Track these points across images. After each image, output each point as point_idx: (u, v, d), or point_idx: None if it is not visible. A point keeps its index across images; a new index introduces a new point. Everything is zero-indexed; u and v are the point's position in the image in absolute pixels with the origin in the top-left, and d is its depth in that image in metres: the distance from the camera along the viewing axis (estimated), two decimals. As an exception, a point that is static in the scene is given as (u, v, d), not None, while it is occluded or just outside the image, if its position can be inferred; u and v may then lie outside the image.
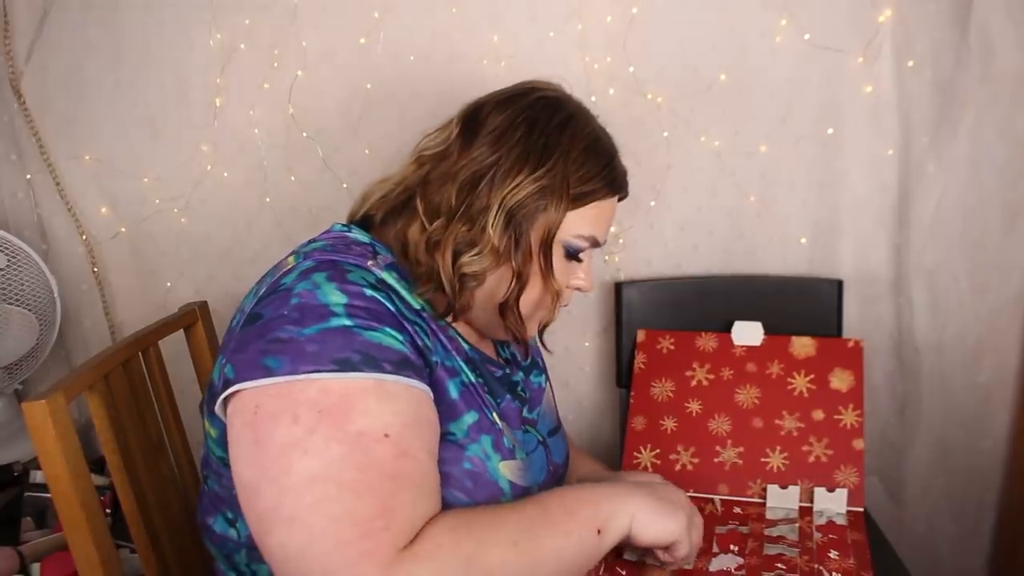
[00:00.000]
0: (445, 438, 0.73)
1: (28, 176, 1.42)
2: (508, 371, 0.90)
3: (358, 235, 0.81)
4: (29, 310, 1.34)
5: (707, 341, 1.24)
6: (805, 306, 1.32)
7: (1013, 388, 1.36)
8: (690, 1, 1.29)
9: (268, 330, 0.67)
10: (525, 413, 0.90)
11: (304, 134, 1.38)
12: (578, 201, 0.80)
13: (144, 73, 1.37)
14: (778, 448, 1.14)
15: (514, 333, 0.82)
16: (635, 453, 1.18)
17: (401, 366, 0.67)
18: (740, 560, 0.95)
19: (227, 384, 0.67)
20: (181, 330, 1.15)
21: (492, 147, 0.78)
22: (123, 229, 1.44)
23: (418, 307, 0.76)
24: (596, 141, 0.83)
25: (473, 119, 0.81)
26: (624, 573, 0.93)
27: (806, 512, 1.08)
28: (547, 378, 1.02)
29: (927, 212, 1.31)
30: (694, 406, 1.19)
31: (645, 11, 1.29)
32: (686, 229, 1.39)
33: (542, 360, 1.04)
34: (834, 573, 0.91)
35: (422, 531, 0.63)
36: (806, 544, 0.99)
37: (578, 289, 0.86)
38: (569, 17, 1.31)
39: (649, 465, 1.17)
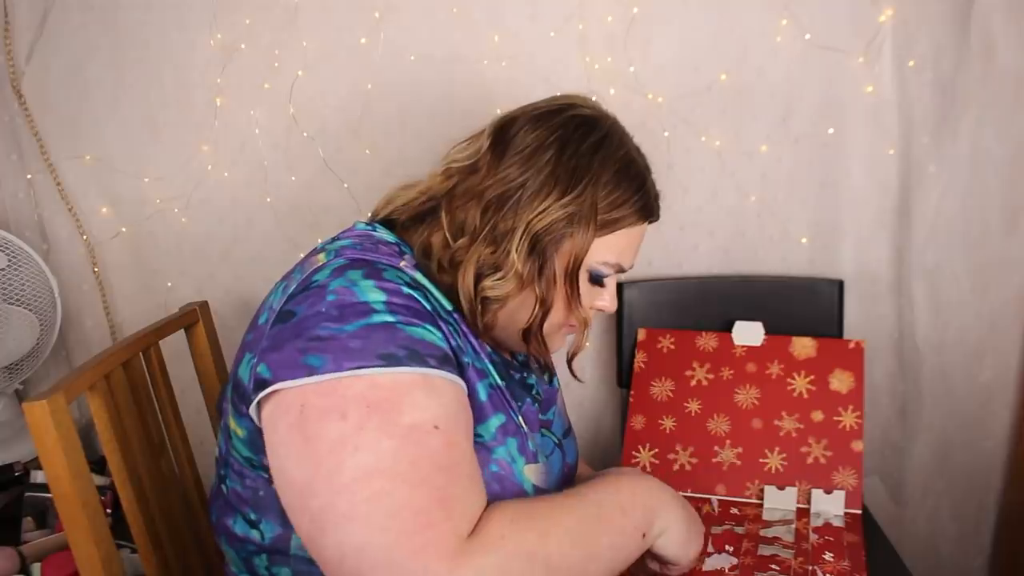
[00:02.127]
0: (473, 440, 0.72)
1: (29, 176, 1.43)
2: (524, 374, 0.90)
3: (384, 234, 0.80)
4: (30, 310, 1.35)
5: (707, 341, 1.24)
6: (806, 306, 1.32)
7: (1014, 388, 1.36)
8: (690, 1, 1.28)
9: (305, 328, 0.66)
10: (541, 415, 0.89)
11: (305, 134, 1.38)
12: (606, 228, 0.78)
13: (144, 73, 1.37)
14: (777, 449, 1.14)
15: (537, 358, 0.83)
16: (634, 452, 1.18)
17: (443, 361, 0.67)
18: (734, 560, 0.95)
19: (263, 384, 0.66)
20: (182, 330, 1.16)
21: (521, 167, 0.76)
22: (124, 229, 1.45)
23: (451, 308, 0.76)
24: (629, 164, 0.80)
25: (504, 134, 0.79)
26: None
27: (803, 513, 1.08)
28: (559, 387, 1.02)
29: (928, 212, 1.31)
30: (693, 406, 1.19)
31: (645, 11, 1.29)
32: (686, 229, 1.38)
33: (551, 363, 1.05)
34: (828, 574, 0.91)
35: (483, 521, 0.63)
36: (801, 545, 0.99)
37: (600, 310, 0.85)
38: (569, 17, 1.31)
39: (648, 465, 1.17)
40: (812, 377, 1.17)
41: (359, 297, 0.67)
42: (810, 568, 0.93)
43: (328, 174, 1.38)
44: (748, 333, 1.23)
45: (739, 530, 1.03)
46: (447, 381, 0.67)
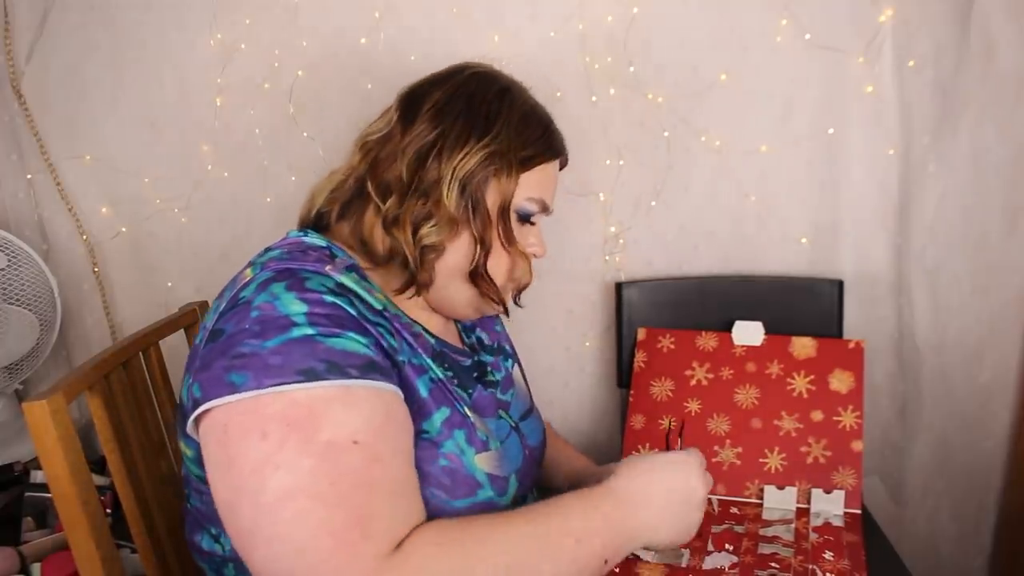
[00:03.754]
0: (419, 436, 0.73)
1: (29, 176, 1.43)
2: (476, 357, 0.91)
3: (314, 239, 0.81)
4: (29, 310, 1.35)
5: (707, 340, 1.24)
6: (806, 306, 1.31)
7: (1014, 388, 1.36)
8: (690, 1, 1.28)
9: (231, 346, 0.66)
10: (499, 395, 0.90)
11: (305, 134, 1.38)
12: (525, 165, 0.82)
13: (144, 73, 1.37)
14: (776, 449, 1.14)
15: (492, 299, 0.84)
16: (633, 452, 1.18)
17: (367, 370, 0.67)
18: (734, 559, 0.95)
19: (196, 404, 0.67)
20: (182, 330, 1.16)
21: (434, 121, 0.80)
22: (123, 229, 1.45)
23: (380, 307, 0.75)
24: (533, 108, 0.86)
25: (410, 100, 0.84)
26: (617, 571, 0.94)
27: (803, 513, 1.08)
28: (516, 362, 1.03)
29: (928, 212, 1.31)
30: (693, 405, 1.19)
31: (645, 11, 1.29)
32: (686, 229, 1.39)
33: (511, 346, 1.05)
34: (828, 574, 0.91)
35: (408, 541, 0.62)
36: (801, 544, 0.99)
37: (535, 255, 0.88)
38: (569, 17, 1.31)
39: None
40: (812, 377, 1.17)
41: (280, 311, 0.67)
42: (810, 567, 0.93)
43: (328, 174, 1.39)
44: (748, 333, 1.22)
45: (739, 529, 1.03)
46: (371, 390, 0.66)
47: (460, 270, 0.82)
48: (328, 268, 0.73)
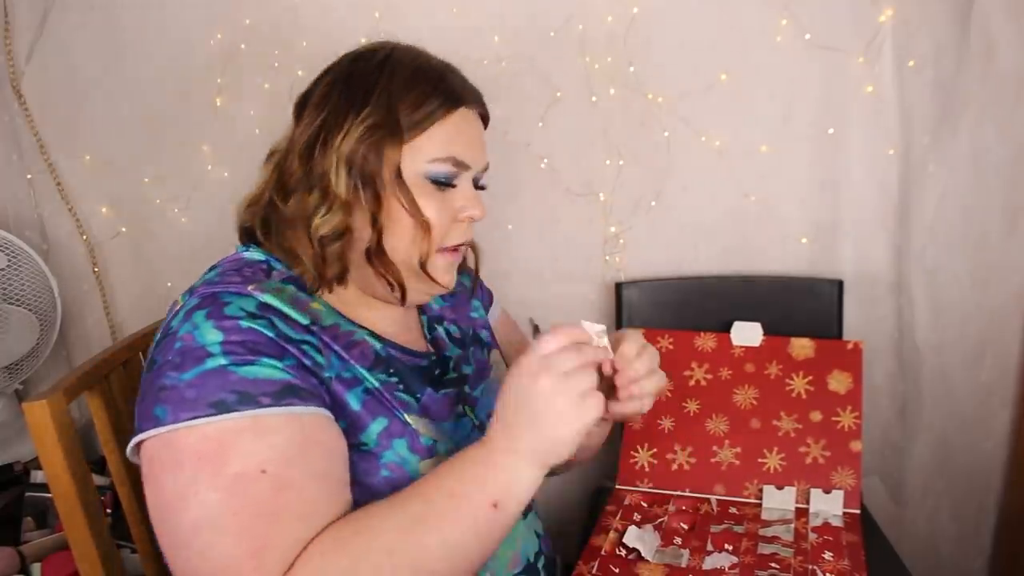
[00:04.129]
0: (358, 449, 0.73)
1: (29, 176, 1.43)
2: (434, 356, 0.87)
3: (254, 254, 0.81)
4: (30, 310, 1.35)
5: (706, 341, 1.24)
6: (805, 306, 1.32)
7: (1014, 388, 1.36)
8: (690, 1, 1.28)
9: (157, 377, 0.67)
10: (467, 390, 0.88)
11: (304, 134, 1.38)
12: (417, 127, 0.77)
13: (144, 73, 1.37)
14: (775, 449, 1.14)
15: (389, 281, 0.79)
16: (632, 452, 1.18)
17: (281, 395, 0.66)
18: (734, 559, 0.95)
19: (135, 434, 0.69)
20: (181, 330, 1.15)
21: (316, 111, 0.78)
22: (124, 229, 1.45)
23: (307, 323, 0.74)
24: (420, 67, 0.80)
25: (302, 99, 0.83)
26: (617, 571, 0.94)
27: (802, 513, 1.08)
28: (493, 348, 0.99)
29: (928, 212, 1.31)
30: (692, 406, 1.19)
31: (645, 11, 1.29)
32: (686, 229, 1.39)
33: (490, 332, 1.01)
34: (828, 574, 0.91)
35: (299, 559, 0.62)
36: (801, 545, 0.99)
37: (471, 219, 0.81)
38: (569, 17, 1.31)
39: (646, 464, 1.17)
40: (811, 378, 1.17)
41: (198, 341, 0.67)
42: (810, 567, 0.93)
43: (328, 174, 1.39)
44: (747, 334, 1.22)
45: (738, 529, 1.03)
46: (285, 416, 0.66)
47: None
48: (251, 288, 0.72)
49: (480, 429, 0.86)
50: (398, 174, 0.77)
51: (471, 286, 1.00)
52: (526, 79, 1.33)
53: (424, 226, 0.78)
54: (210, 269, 0.80)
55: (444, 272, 0.81)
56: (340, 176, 0.76)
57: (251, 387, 0.66)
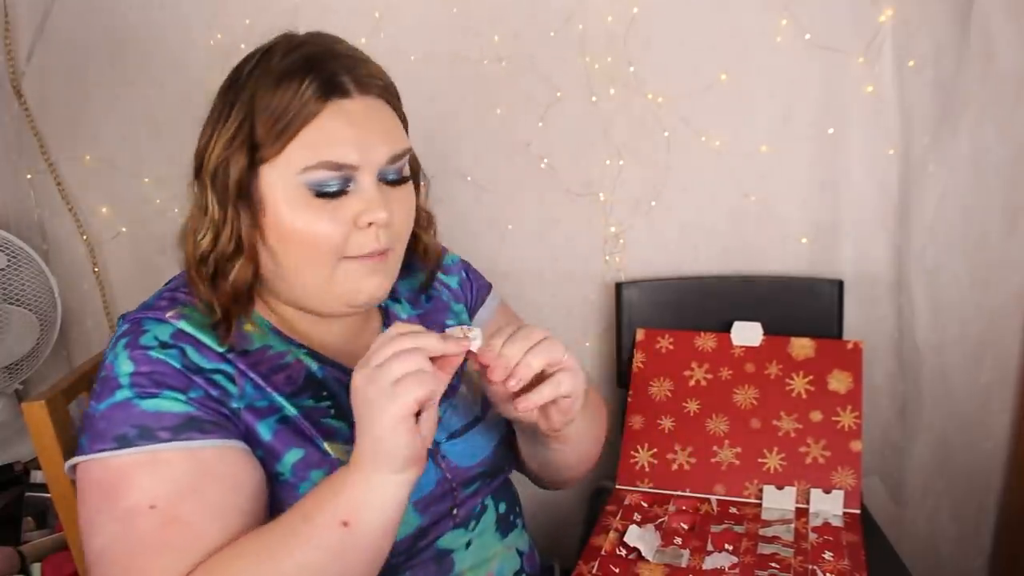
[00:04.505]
0: (276, 479, 0.71)
1: (29, 176, 1.43)
2: None
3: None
4: (30, 310, 1.35)
5: (706, 341, 1.24)
6: (805, 306, 1.31)
7: (1014, 388, 1.36)
8: (690, 1, 1.28)
9: (88, 404, 0.70)
10: None
11: (304, 134, 1.38)
12: (282, 137, 0.70)
13: (144, 73, 1.37)
14: (775, 449, 1.14)
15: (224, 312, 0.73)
16: (632, 452, 1.18)
17: (182, 429, 0.67)
18: (734, 559, 0.95)
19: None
20: (181, 330, 1.15)
21: (204, 128, 0.75)
22: (124, 229, 1.45)
23: (222, 350, 0.72)
24: (290, 63, 0.72)
25: None
26: (617, 571, 0.94)
27: (802, 513, 1.08)
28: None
29: (928, 212, 1.31)
30: (692, 406, 1.19)
31: (645, 11, 1.29)
32: (686, 229, 1.38)
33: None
34: (828, 574, 0.91)
35: None
36: (801, 545, 0.99)
37: (373, 223, 0.72)
38: (569, 17, 1.31)
39: (646, 464, 1.17)
40: (811, 378, 1.17)
41: (114, 371, 0.69)
42: (810, 567, 0.93)
43: (328, 174, 1.39)
44: (747, 333, 1.23)
45: (738, 529, 1.03)
46: (181, 452, 0.66)
47: (280, 271, 0.74)
48: (170, 315, 0.72)
49: (434, 452, 0.80)
50: (250, 187, 0.71)
51: (425, 282, 0.90)
52: (526, 79, 1.33)
53: (309, 242, 0.71)
54: (165, 284, 0.81)
55: (362, 278, 0.73)
56: (213, 195, 0.72)
57: (152, 421, 0.66)
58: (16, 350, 1.36)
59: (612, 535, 1.02)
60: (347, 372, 0.75)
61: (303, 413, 0.73)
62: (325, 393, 0.76)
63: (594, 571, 0.94)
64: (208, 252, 0.73)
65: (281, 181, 0.71)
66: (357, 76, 0.73)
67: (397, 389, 0.61)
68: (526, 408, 0.69)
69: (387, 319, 0.86)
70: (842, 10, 1.26)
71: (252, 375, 0.73)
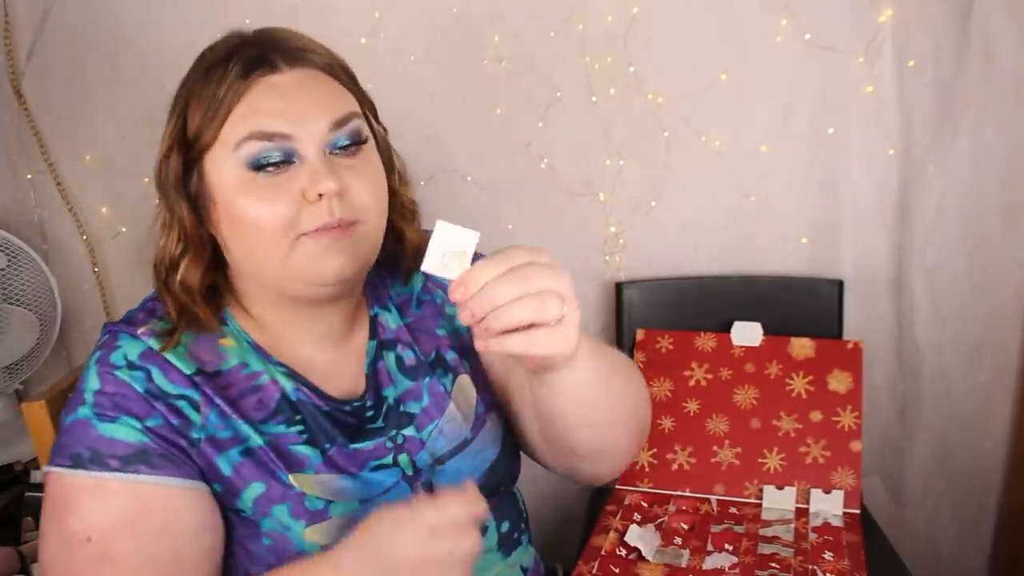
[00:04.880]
0: (237, 514, 0.69)
1: (29, 176, 1.43)
2: (360, 401, 0.76)
3: None
4: (30, 310, 1.35)
5: (706, 341, 1.24)
6: (805, 306, 1.32)
7: (1013, 388, 1.36)
8: (690, 1, 1.28)
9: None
10: (407, 433, 0.76)
11: (304, 134, 1.38)
12: (214, 122, 0.68)
13: (144, 73, 1.37)
14: (775, 449, 1.14)
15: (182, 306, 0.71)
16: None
17: (131, 460, 0.65)
18: (734, 559, 0.95)
19: None
20: (181, 330, 1.15)
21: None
22: (124, 229, 1.45)
23: (190, 371, 0.69)
24: (221, 53, 0.72)
25: None
26: (617, 571, 0.94)
27: (802, 513, 1.08)
28: (467, 371, 0.82)
29: (928, 212, 1.31)
30: (692, 406, 1.19)
31: (645, 11, 1.29)
32: (686, 229, 1.39)
33: (457, 350, 0.83)
34: (828, 574, 0.92)
35: None
36: (801, 545, 0.99)
37: (323, 194, 0.66)
38: (569, 17, 1.31)
39: (646, 465, 1.17)
40: (811, 378, 1.17)
41: (82, 385, 0.69)
42: (810, 567, 0.93)
43: (328, 174, 1.38)
44: (746, 334, 1.23)
45: (738, 529, 1.03)
46: (126, 484, 0.64)
47: (236, 263, 0.72)
48: (142, 331, 0.70)
49: (414, 479, 0.74)
50: (206, 184, 0.70)
51: (404, 279, 0.84)
52: (526, 79, 1.33)
53: (251, 223, 0.67)
54: (153, 291, 0.77)
55: (321, 255, 0.67)
56: (160, 202, 0.72)
57: (104, 447, 0.65)
58: (16, 350, 1.36)
59: (612, 535, 1.02)
60: (320, 396, 0.73)
61: (270, 441, 0.70)
62: (298, 417, 0.72)
63: (594, 571, 0.94)
64: (161, 256, 0.72)
65: (221, 165, 0.68)
66: (286, 50, 0.72)
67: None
68: (484, 349, 0.59)
69: (375, 329, 0.80)
70: (842, 10, 1.26)
71: (218, 401, 0.70)
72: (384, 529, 0.58)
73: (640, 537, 0.99)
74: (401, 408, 0.77)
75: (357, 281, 0.74)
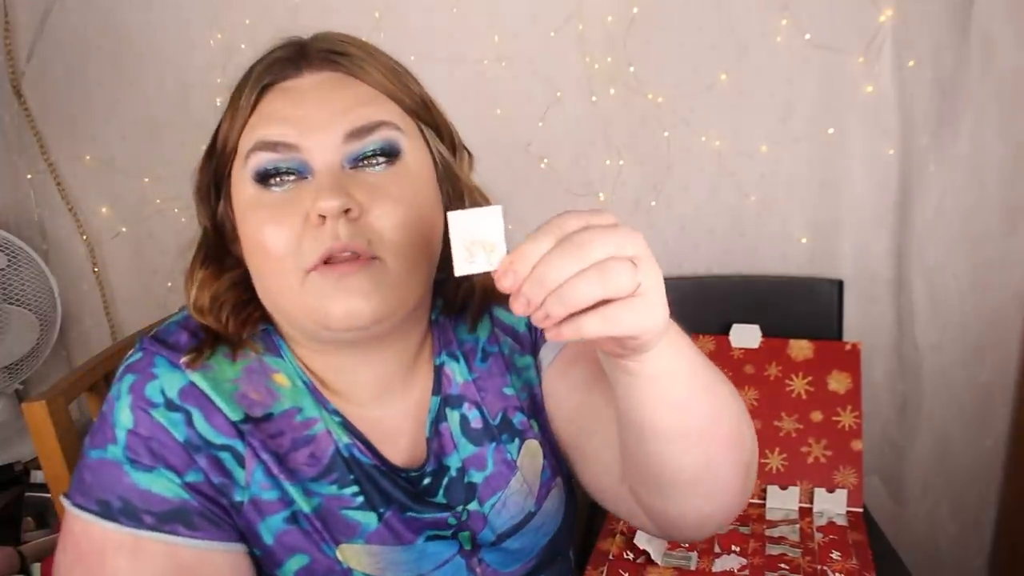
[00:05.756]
0: None
1: (29, 176, 1.43)
2: (420, 470, 0.66)
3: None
4: (30, 310, 1.35)
5: (705, 343, 1.24)
6: (805, 306, 1.32)
7: (1013, 387, 1.36)
8: (690, 1, 1.28)
9: (86, 441, 0.61)
10: (468, 508, 0.67)
11: (304, 134, 1.38)
12: (232, 132, 0.62)
13: (144, 73, 1.37)
14: (777, 449, 1.14)
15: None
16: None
17: (166, 519, 0.58)
18: (743, 560, 0.95)
19: None
20: (181, 330, 1.15)
21: None
22: (124, 229, 1.45)
23: (238, 418, 0.61)
24: (256, 60, 0.65)
25: None
26: (626, 574, 0.94)
27: (806, 513, 1.08)
28: (537, 431, 0.71)
29: (927, 211, 1.31)
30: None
31: (645, 11, 1.29)
32: (686, 229, 1.39)
33: (527, 411, 0.71)
34: (837, 574, 0.91)
35: None
36: (808, 545, 0.99)
37: (324, 214, 0.56)
38: (569, 17, 1.31)
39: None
40: (810, 379, 1.17)
41: (111, 417, 0.60)
42: (819, 568, 0.93)
43: (328, 174, 1.38)
44: (745, 336, 1.23)
45: (744, 530, 1.03)
46: (162, 545, 0.57)
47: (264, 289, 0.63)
48: (185, 360, 0.61)
49: (468, 554, 0.66)
50: (231, 201, 0.63)
51: (472, 321, 0.71)
52: (526, 79, 1.33)
53: (262, 248, 0.59)
54: None
55: (327, 295, 0.57)
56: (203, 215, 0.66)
57: (138, 500, 0.58)
58: (16, 350, 1.35)
59: (619, 539, 1.02)
60: (376, 457, 0.64)
61: (321, 504, 0.62)
62: (351, 477, 0.63)
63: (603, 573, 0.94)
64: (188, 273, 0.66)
65: (237, 180, 0.62)
66: (308, 52, 0.63)
67: None
68: (557, 339, 0.45)
69: (439, 381, 0.69)
70: (842, 10, 1.26)
71: (265, 456, 0.61)
72: None
73: (648, 540, 0.98)
74: (464, 479, 0.68)
75: (394, 326, 0.61)
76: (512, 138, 1.35)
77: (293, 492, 0.61)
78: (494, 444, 0.69)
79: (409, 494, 0.65)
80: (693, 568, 0.95)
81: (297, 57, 0.63)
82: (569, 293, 0.43)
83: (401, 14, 1.32)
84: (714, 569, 0.94)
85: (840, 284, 1.32)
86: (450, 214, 0.47)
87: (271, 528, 0.61)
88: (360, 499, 0.63)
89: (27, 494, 1.32)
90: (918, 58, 1.26)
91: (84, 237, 1.44)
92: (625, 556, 0.98)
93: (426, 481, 0.66)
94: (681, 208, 1.37)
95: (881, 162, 1.32)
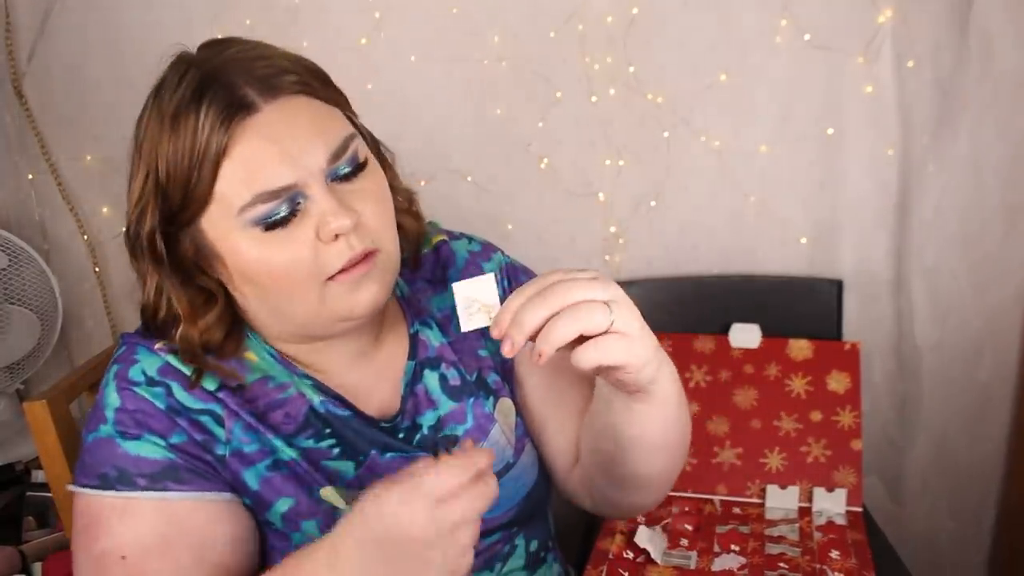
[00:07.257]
0: (269, 527, 0.68)
1: (30, 176, 1.43)
2: (392, 422, 0.73)
3: None
4: (31, 310, 1.35)
5: (704, 343, 1.24)
6: (805, 306, 1.32)
7: (1013, 387, 1.37)
8: (690, 1, 1.29)
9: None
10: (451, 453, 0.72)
11: (304, 134, 1.38)
12: (199, 188, 0.63)
13: (145, 73, 1.37)
14: (776, 449, 1.14)
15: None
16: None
17: (159, 478, 0.64)
18: (743, 560, 0.95)
19: None
20: (182, 330, 1.15)
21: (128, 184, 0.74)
22: (124, 229, 1.45)
23: (213, 387, 0.67)
24: (183, 95, 0.64)
25: None
26: (627, 574, 0.94)
27: (805, 512, 1.08)
28: (507, 395, 0.79)
29: (927, 212, 1.32)
30: (692, 407, 1.19)
31: (645, 11, 1.29)
32: (686, 229, 1.39)
33: (500, 372, 0.80)
34: (836, 573, 0.92)
35: None
36: (807, 544, 0.99)
37: (340, 233, 0.63)
38: (569, 17, 1.31)
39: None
40: (810, 378, 1.17)
41: (102, 402, 0.67)
42: (819, 567, 0.93)
43: (328, 174, 1.39)
44: (745, 336, 1.23)
45: (744, 530, 1.03)
46: (156, 502, 0.64)
47: (266, 299, 0.68)
48: (159, 346, 0.68)
49: None
50: (206, 242, 0.67)
51: (412, 263, 0.79)
52: (526, 79, 1.33)
53: (279, 276, 0.64)
54: None
55: (352, 295, 0.65)
56: (141, 260, 0.74)
57: (131, 465, 0.64)
58: (17, 350, 1.36)
59: (619, 538, 1.02)
60: (350, 410, 0.71)
61: (302, 455, 0.69)
62: (328, 431, 0.70)
63: (603, 575, 0.94)
64: (152, 314, 0.70)
65: (223, 228, 0.64)
66: (258, 81, 0.63)
67: (467, 555, 0.54)
68: (572, 364, 0.56)
69: (415, 348, 0.77)
70: (841, 10, 1.26)
71: (244, 414, 0.68)
72: (388, 506, 0.53)
73: (649, 539, 0.99)
74: (444, 431, 0.75)
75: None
76: (512, 138, 1.36)
77: (273, 442, 0.68)
78: (472, 399, 0.77)
79: (385, 443, 0.72)
80: (693, 567, 0.95)
81: (246, 90, 0.63)
82: (551, 331, 0.54)
83: (401, 14, 1.32)
84: (714, 568, 0.94)
85: (840, 284, 1.32)
86: (454, 285, 0.58)
87: (256, 474, 0.67)
88: (337, 450, 0.70)
89: (28, 494, 1.32)
90: (917, 58, 1.26)
91: (85, 237, 1.44)
92: (625, 555, 0.98)
93: (400, 435, 0.73)
94: (681, 208, 1.37)
95: (881, 162, 1.32)
